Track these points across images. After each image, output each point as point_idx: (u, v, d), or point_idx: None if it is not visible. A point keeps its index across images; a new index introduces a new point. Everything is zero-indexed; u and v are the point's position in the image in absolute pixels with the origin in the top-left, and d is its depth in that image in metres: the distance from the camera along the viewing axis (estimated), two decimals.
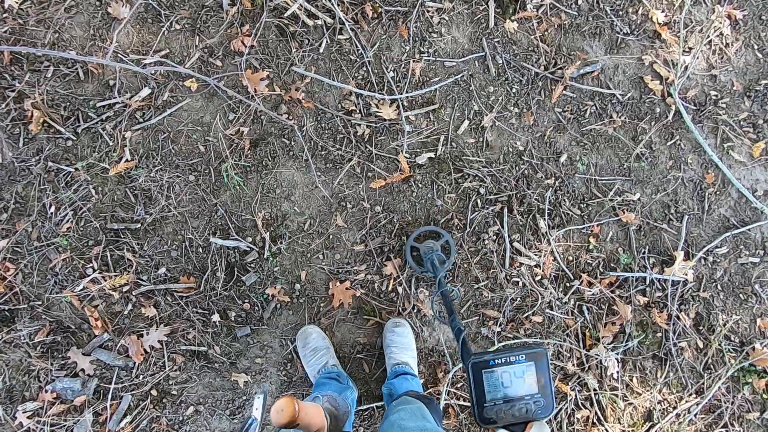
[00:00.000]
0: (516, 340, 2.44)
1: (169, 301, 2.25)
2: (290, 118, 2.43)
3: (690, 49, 2.73)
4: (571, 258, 2.53)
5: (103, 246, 2.24)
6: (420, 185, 2.48)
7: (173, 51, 2.40)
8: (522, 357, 1.03)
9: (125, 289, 2.23)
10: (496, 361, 1.02)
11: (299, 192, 2.40)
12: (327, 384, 2.06)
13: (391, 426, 1.40)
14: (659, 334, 2.53)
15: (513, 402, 1.01)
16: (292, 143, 2.41)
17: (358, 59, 2.51)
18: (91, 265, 2.22)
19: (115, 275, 2.21)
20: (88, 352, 2.16)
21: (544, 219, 2.51)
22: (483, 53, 2.60)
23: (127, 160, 2.29)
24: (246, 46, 2.42)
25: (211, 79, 2.29)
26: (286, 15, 2.46)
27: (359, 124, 2.47)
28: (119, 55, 2.34)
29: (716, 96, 2.73)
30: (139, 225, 2.27)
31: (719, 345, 2.55)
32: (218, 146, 2.36)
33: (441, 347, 2.39)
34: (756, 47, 2.80)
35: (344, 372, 2.25)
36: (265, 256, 2.32)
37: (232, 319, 2.28)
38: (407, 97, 2.51)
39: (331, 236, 2.40)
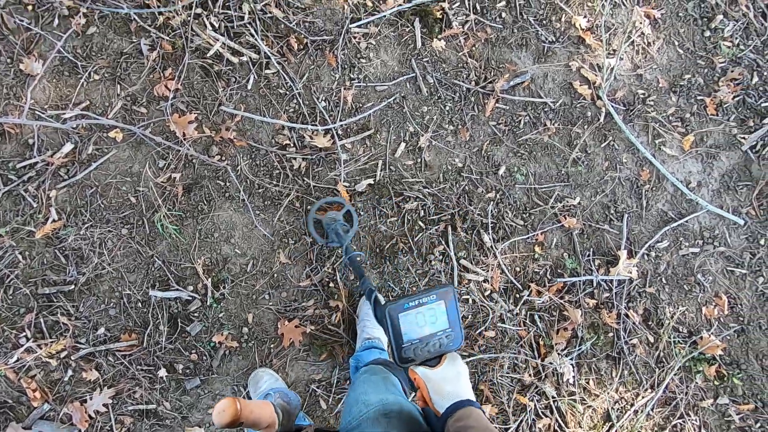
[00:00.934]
0: (472, 357, 2.13)
1: (112, 362, 1.90)
2: (223, 159, 2.08)
3: (614, 51, 2.44)
4: (518, 269, 2.23)
5: (36, 312, 1.87)
6: (361, 213, 2.15)
7: (94, 102, 2.03)
8: (433, 297, 0.98)
9: (63, 354, 1.87)
10: (410, 303, 0.98)
11: (239, 233, 2.06)
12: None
13: (356, 403, 1.19)
14: (611, 334, 2.24)
15: (427, 339, 0.97)
16: (227, 184, 2.06)
17: (287, 92, 2.16)
18: (24, 334, 1.86)
19: (51, 341, 1.85)
20: (28, 426, 1.80)
21: (488, 233, 2.20)
22: (413, 74, 2.27)
23: (54, 221, 1.92)
24: (170, 90, 2.05)
25: (137, 128, 1.93)
26: (209, 55, 2.10)
27: (294, 158, 2.13)
28: (36, 112, 1.97)
29: (644, 94, 2.45)
30: (73, 286, 1.91)
31: (669, 337, 2.27)
32: (150, 195, 2.00)
33: None
34: (677, 44, 2.51)
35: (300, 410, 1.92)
36: (209, 303, 1.98)
37: (180, 372, 1.94)
38: (341, 125, 2.18)
39: (275, 275, 2.06)
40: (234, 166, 2.08)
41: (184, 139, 2.04)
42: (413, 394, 1.13)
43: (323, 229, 2.03)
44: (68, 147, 1.98)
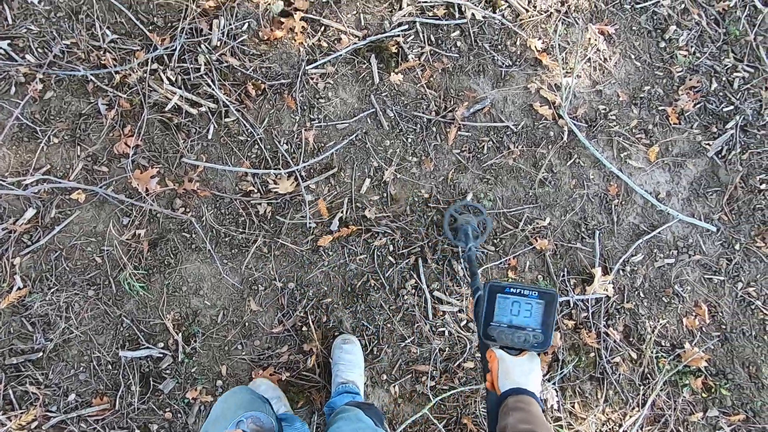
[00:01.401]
0: (452, 391, 1.96)
1: (84, 428, 1.75)
2: (187, 211, 1.94)
3: (571, 69, 2.30)
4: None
5: (4, 384, 1.73)
6: (330, 253, 2.00)
7: (55, 166, 1.90)
8: (535, 293, 0.96)
9: (34, 425, 1.72)
10: (512, 290, 0.96)
11: (207, 284, 1.91)
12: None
13: None
14: (592, 354, 2.07)
15: (515, 329, 0.95)
16: (193, 236, 1.92)
17: (248, 138, 2.03)
18: None
19: (21, 412, 1.71)
20: None
21: (460, 262, 2.05)
22: (373, 109, 2.14)
23: (19, 288, 1.79)
24: (130, 147, 1.93)
25: (99, 188, 1.80)
26: (167, 108, 1.98)
27: (259, 204, 1.99)
28: None
29: (605, 109, 2.30)
30: (41, 354, 1.77)
31: (652, 352, 2.10)
32: (115, 254, 1.87)
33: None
34: (633, 57, 2.37)
35: (296, 416, 1.74)
36: (180, 359, 1.83)
37: (155, 431, 1.78)
38: (304, 166, 2.04)
39: (247, 323, 1.91)
40: (199, 217, 1.94)
41: (147, 195, 1.90)
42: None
43: (456, 229, 1.93)
44: (30, 212, 1.85)
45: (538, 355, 0.97)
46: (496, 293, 0.96)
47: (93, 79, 1.96)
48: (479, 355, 0.98)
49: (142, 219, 1.91)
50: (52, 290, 1.81)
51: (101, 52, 1.98)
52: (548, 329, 0.95)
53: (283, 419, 1.61)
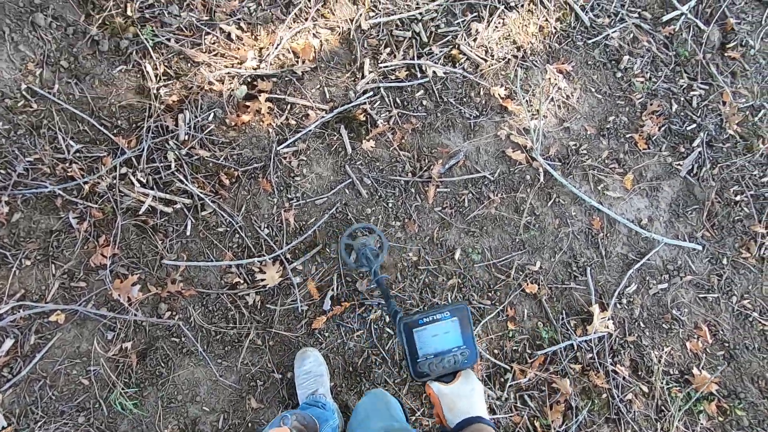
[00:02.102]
0: None
1: None
2: (174, 314, 1.70)
3: (537, 111, 2.12)
4: (496, 351, 1.85)
5: None
6: (326, 334, 1.77)
7: (30, 289, 1.65)
8: (447, 313, 0.88)
9: None
10: (425, 319, 0.87)
11: (203, 389, 1.66)
12: (308, 408, 1.52)
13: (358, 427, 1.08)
14: (604, 396, 1.85)
15: (442, 355, 0.87)
16: (183, 340, 1.68)
17: (228, 229, 1.81)
18: None
19: None
20: None
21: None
22: (350, 179, 1.93)
23: (3, 428, 1.51)
24: (107, 257, 1.69)
25: (78, 305, 1.55)
26: (141, 212, 1.75)
27: (247, 294, 1.76)
28: None
29: (575, 145, 2.12)
30: None
31: (662, 383, 1.88)
32: (103, 373, 1.61)
33: None
34: (593, 90, 2.21)
35: (332, 403, 1.61)
36: None
37: None
38: (288, 249, 1.82)
39: (249, 423, 1.66)
40: (186, 318, 1.70)
41: (130, 305, 1.66)
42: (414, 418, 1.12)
43: (355, 253, 1.75)
44: (8, 343, 1.59)
45: (472, 369, 0.89)
46: (412, 329, 0.87)
47: (61, 193, 1.73)
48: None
49: (127, 331, 1.66)
50: (40, 423, 1.55)
51: (67, 164, 1.75)
52: (470, 340, 0.88)
53: (321, 405, 1.52)
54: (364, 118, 2.00)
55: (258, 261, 1.78)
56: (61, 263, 1.70)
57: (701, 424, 1.86)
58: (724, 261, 2.07)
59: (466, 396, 0.84)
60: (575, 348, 1.87)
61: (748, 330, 2.01)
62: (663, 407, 1.87)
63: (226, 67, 1.96)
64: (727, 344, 1.98)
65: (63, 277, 1.69)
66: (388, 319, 1.81)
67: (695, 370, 1.90)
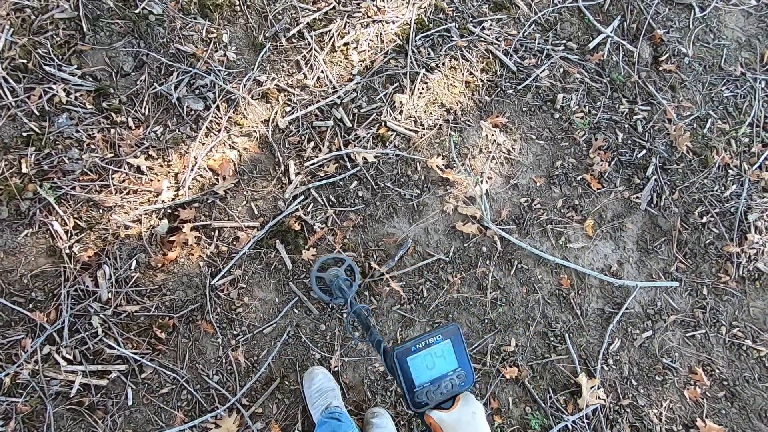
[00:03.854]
0: None
1: None
2: None
3: (481, 174, 1.97)
4: None
5: None
6: None
7: None
8: (439, 337, 0.83)
9: None
10: (418, 345, 0.82)
11: None
12: (325, 423, 1.48)
13: None
14: None
15: (439, 381, 0.81)
16: None
17: (174, 386, 1.62)
18: None
19: None
20: None
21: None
22: (296, 297, 1.76)
23: None
24: None
25: None
26: (73, 393, 1.55)
27: None
28: None
29: (527, 201, 1.97)
30: None
31: None
32: None
33: None
34: (534, 137, 2.06)
35: (346, 413, 1.57)
36: None
37: None
38: (243, 393, 1.63)
39: None
40: None
41: None
42: None
43: (327, 287, 1.62)
44: None
45: (470, 391, 0.84)
46: (406, 357, 0.82)
47: None
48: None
49: None
50: None
51: None
52: (465, 361, 0.83)
53: (338, 417, 1.47)
54: (300, 227, 1.83)
55: (210, 417, 1.59)
56: None
57: None
58: (705, 291, 1.93)
59: (468, 420, 0.79)
60: (570, 429, 1.70)
61: (744, 361, 1.86)
62: None
63: (141, 204, 1.78)
64: (726, 382, 1.83)
65: None
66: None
67: (699, 422, 1.75)
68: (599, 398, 1.74)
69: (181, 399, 1.64)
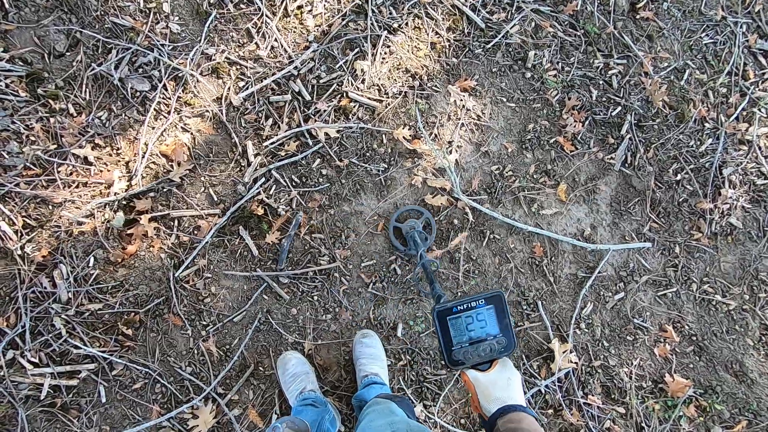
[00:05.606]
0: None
1: None
2: None
3: (450, 143, 1.86)
4: (463, 420, 1.70)
5: None
6: None
7: None
8: (482, 302, 0.84)
9: None
10: (459, 307, 0.84)
11: None
12: (302, 411, 1.49)
13: (364, 430, 1.07)
14: None
15: (478, 343, 0.83)
16: None
17: (146, 380, 1.59)
18: None
19: None
20: None
21: (419, 403, 1.66)
22: (265, 283, 1.70)
23: None
24: None
25: None
26: (43, 396, 1.52)
27: None
28: None
29: (498, 169, 1.89)
30: None
31: (637, 401, 1.75)
32: None
33: None
34: (505, 100, 1.94)
35: (321, 396, 1.60)
36: None
37: None
38: (218, 382, 1.61)
39: None
40: None
41: None
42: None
43: (402, 237, 1.71)
44: None
45: (509, 358, 0.85)
46: (446, 317, 0.84)
47: None
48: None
49: None
50: None
51: None
52: (508, 330, 0.84)
53: (312, 402, 1.49)
54: (263, 211, 1.74)
55: (186, 408, 1.57)
56: None
57: (683, 429, 1.76)
58: (677, 249, 1.90)
59: (502, 385, 0.79)
60: (543, 393, 1.72)
61: (713, 315, 1.87)
62: (643, 424, 1.75)
63: (93, 197, 1.67)
64: (695, 337, 1.85)
65: None
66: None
67: (668, 377, 1.77)
68: (571, 362, 1.75)
69: (155, 392, 1.61)
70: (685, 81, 2.05)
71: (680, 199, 1.96)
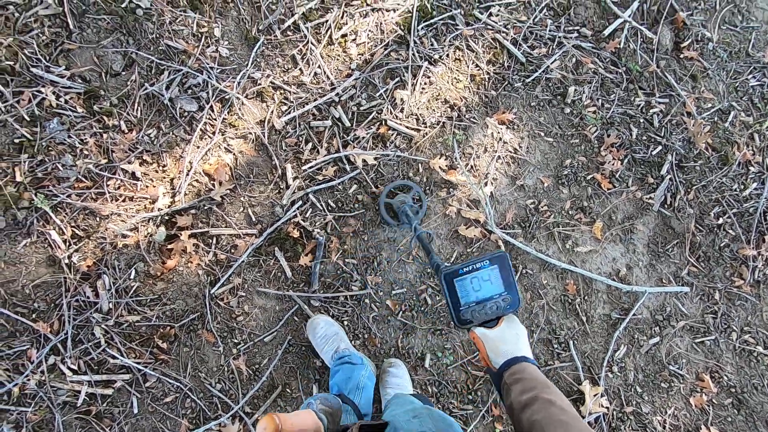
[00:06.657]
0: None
1: None
2: None
3: (486, 175, 1.86)
4: None
5: None
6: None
7: None
8: (486, 262, 0.86)
9: None
10: (465, 269, 0.87)
11: None
12: (339, 371, 1.53)
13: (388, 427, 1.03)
14: None
15: (484, 302, 0.86)
16: None
17: (177, 394, 1.62)
18: None
19: None
20: None
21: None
22: (296, 305, 1.71)
23: None
24: None
25: None
26: (80, 403, 1.56)
27: None
28: None
29: (534, 203, 1.87)
30: None
31: None
32: None
33: None
34: (542, 134, 1.93)
35: (357, 353, 1.63)
36: None
37: None
38: (246, 401, 1.62)
39: None
40: None
41: None
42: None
43: (394, 212, 1.73)
44: None
45: (515, 314, 0.88)
46: (453, 279, 0.87)
47: None
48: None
49: None
50: None
51: None
52: (512, 287, 0.87)
53: (348, 360, 1.53)
54: (298, 233, 1.76)
55: (214, 425, 1.58)
56: None
57: None
58: (717, 296, 1.83)
59: (509, 340, 0.82)
60: None
61: (754, 367, 1.79)
62: None
63: (138, 211, 1.72)
64: (733, 389, 1.76)
65: None
66: None
67: (704, 429, 1.70)
68: (602, 406, 1.69)
69: (185, 407, 1.63)
70: (730, 123, 2.00)
71: (721, 244, 1.89)
